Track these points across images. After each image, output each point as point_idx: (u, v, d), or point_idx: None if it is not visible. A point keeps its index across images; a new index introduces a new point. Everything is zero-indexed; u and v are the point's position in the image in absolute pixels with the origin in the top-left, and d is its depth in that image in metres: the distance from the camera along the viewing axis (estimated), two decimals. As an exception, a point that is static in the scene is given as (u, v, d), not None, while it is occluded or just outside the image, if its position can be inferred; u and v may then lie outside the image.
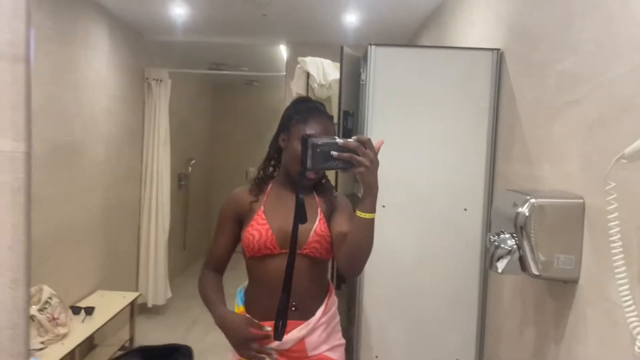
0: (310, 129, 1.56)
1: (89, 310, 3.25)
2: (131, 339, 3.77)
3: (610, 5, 1.35)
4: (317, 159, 1.32)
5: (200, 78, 6.55)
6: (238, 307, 1.68)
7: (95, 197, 3.72)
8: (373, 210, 1.38)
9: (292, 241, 1.43)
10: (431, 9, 3.46)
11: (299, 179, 1.45)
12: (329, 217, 1.64)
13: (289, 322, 1.50)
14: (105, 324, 3.22)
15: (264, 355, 1.48)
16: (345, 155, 1.30)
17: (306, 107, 1.66)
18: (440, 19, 3.28)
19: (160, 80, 4.60)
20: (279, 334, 1.46)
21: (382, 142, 1.38)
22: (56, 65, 3.11)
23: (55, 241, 3.18)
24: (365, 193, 1.37)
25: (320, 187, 1.70)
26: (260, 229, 1.57)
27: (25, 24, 0.71)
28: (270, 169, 1.71)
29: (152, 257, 4.66)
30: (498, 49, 2.17)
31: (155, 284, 4.68)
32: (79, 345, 2.89)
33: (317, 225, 1.59)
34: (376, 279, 2.23)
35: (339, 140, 1.31)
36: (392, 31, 4.11)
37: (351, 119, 2.42)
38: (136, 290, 4.43)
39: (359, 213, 1.39)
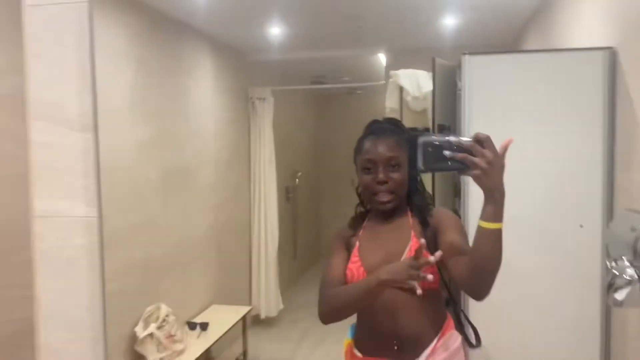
0: (366, 154, 1.51)
1: (204, 326, 3.41)
2: (245, 352, 3.90)
3: None
4: (428, 159, 1.21)
5: (302, 92, 6.66)
6: (347, 339, 1.63)
7: (206, 216, 3.91)
8: (498, 219, 1.22)
9: None
10: (535, 8, 3.21)
11: (411, 183, 1.48)
12: (428, 239, 1.45)
13: None
14: (219, 338, 3.35)
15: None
16: (459, 155, 1.18)
17: (364, 132, 1.62)
18: (545, 18, 3.03)
19: (264, 99, 4.73)
20: None
21: (511, 141, 1.21)
22: (165, 97, 3.30)
23: (171, 261, 3.38)
24: (486, 198, 1.22)
25: (414, 205, 1.58)
26: (353, 267, 1.52)
27: (92, 95, 0.74)
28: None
29: (263, 270, 4.80)
30: (611, 47, 1.94)
31: (267, 296, 4.81)
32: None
33: (408, 251, 1.47)
34: (478, 303, 2.09)
35: (452, 138, 1.20)
36: (493, 33, 3.87)
37: (448, 132, 2.30)
38: (249, 303, 4.58)
39: (481, 223, 1.24)
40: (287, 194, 6.11)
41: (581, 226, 2.00)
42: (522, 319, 2.06)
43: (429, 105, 2.84)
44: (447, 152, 1.18)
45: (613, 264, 1.44)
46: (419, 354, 1.45)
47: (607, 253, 1.57)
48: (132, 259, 2.92)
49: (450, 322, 1.55)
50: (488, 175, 1.16)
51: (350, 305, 1.47)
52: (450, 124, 2.32)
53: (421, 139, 1.21)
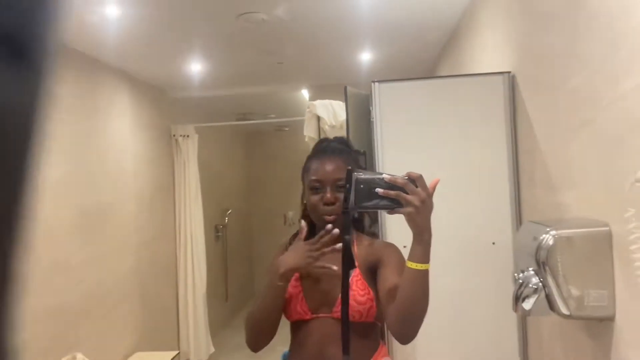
0: (313, 174, 1.45)
1: (126, 374, 3.22)
2: (173, 400, 3.70)
3: (613, 17, 1.25)
4: (360, 196, 1.17)
5: (229, 129, 6.64)
6: None
7: (128, 257, 3.74)
8: (426, 260, 1.19)
9: (343, 294, 1.29)
10: (446, 39, 3.39)
11: (344, 218, 1.29)
12: (369, 270, 1.45)
13: None
14: (143, 386, 3.17)
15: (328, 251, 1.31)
16: (392, 193, 1.15)
17: (313, 152, 1.55)
18: (455, 47, 3.20)
19: (187, 136, 4.66)
20: None
21: (438, 181, 1.20)
22: (79, 133, 3.18)
23: (89, 306, 3.19)
24: (415, 239, 1.19)
25: (361, 233, 1.55)
26: (292, 291, 1.45)
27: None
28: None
29: (192, 312, 4.63)
30: (509, 72, 2.06)
31: (197, 340, 4.63)
32: (116, 411, 2.85)
33: (351, 279, 1.40)
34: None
35: (386, 176, 1.16)
36: (409, 64, 4.05)
37: (364, 158, 2.34)
38: (177, 348, 4.38)
39: (409, 264, 1.20)
40: (217, 233, 5.98)
41: (493, 244, 2.07)
42: (444, 336, 2.08)
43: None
44: (379, 190, 1.15)
45: (520, 274, 1.49)
46: None
47: (515, 265, 1.62)
48: (43, 305, 2.74)
49: (382, 350, 1.50)
50: (420, 214, 1.15)
51: (263, 314, 1.42)
52: (365, 150, 2.37)
53: (355, 176, 1.17)
